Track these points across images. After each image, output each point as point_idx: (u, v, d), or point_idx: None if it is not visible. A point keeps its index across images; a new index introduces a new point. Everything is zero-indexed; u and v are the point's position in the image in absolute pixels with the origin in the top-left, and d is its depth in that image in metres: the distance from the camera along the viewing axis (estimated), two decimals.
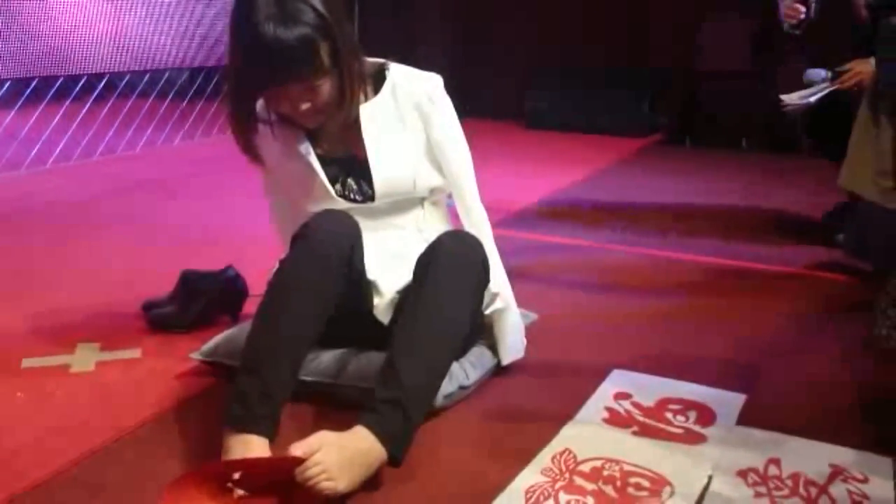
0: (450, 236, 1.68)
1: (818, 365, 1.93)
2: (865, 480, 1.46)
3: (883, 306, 1.46)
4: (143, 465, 1.47)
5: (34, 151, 3.95)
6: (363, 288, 1.68)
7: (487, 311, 1.79)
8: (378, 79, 1.77)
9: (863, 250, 2.38)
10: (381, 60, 1.78)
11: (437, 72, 1.80)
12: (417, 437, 1.55)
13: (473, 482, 1.43)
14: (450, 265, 1.60)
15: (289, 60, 1.54)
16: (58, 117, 4.16)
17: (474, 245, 1.67)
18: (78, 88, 4.35)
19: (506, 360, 1.84)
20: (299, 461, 1.30)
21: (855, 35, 2.92)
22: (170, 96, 4.83)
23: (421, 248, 1.69)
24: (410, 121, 1.75)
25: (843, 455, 1.53)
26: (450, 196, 1.84)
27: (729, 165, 4.37)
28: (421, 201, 1.81)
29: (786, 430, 1.61)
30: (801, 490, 1.42)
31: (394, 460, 1.41)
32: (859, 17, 2.55)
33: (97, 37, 4.01)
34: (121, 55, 4.15)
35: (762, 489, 1.42)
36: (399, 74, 1.77)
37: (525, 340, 1.90)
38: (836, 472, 1.48)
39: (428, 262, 1.61)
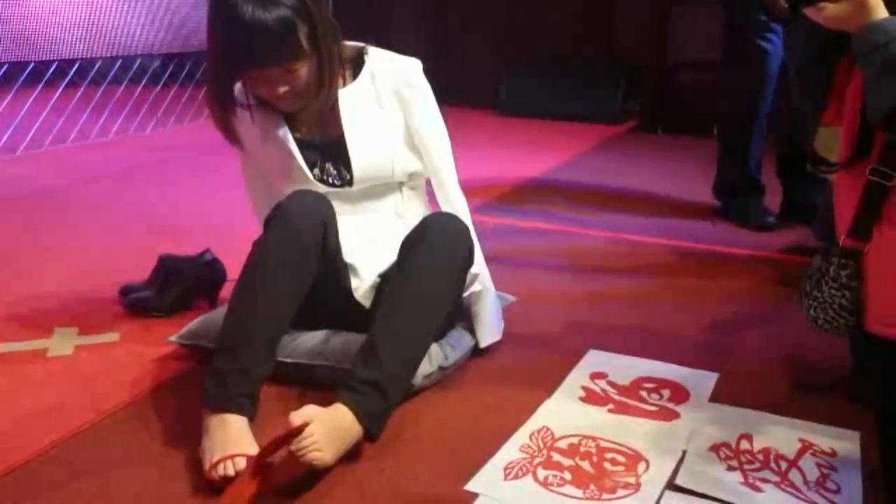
0: (437, 218, 1.69)
1: (788, 344, 1.97)
2: (833, 454, 1.50)
3: (808, 289, 1.50)
4: (123, 447, 1.48)
5: (4, 138, 3.91)
6: (339, 268, 1.69)
7: (466, 294, 1.81)
8: (357, 63, 1.78)
9: (830, 234, 2.43)
10: (361, 44, 1.79)
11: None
12: (398, 416, 1.57)
13: (453, 459, 1.46)
14: (436, 248, 1.62)
15: (267, 42, 1.54)
16: (29, 103, 4.11)
17: (461, 228, 1.68)
18: (49, 74, 4.30)
19: (484, 343, 1.86)
20: (301, 429, 1.32)
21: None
22: (142, 83, 4.79)
23: (400, 232, 1.71)
24: (389, 105, 1.76)
25: (812, 430, 1.57)
26: (428, 180, 1.86)
27: (700, 152, 4.40)
28: (399, 186, 1.82)
29: (757, 407, 1.65)
30: (772, 464, 1.46)
31: (370, 437, 1.45)
32: (780, 10, 2.49)
33: (68, 22, 3.97)
34: (92, 40, 4.10)
35: (734, 463, 1.46)
36: (378, 59, 1.78)
37: (503, 323, 1.93)
38: (806, 447, 1.52)
39: (415, 244, 1.63)
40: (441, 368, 1.73)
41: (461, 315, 1.85)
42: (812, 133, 1.52)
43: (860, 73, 1.31)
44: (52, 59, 3.99)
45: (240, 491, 1.28)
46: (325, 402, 1.43)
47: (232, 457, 1.33)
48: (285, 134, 1.74)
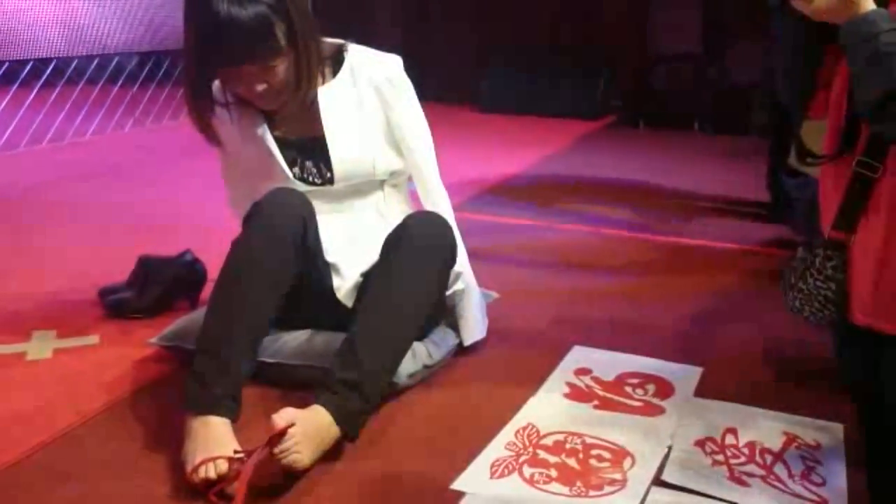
0: (419, 217, 1.68)
1: (772, 337, 1.98)
2: (818, 447, 1.50)
3: (793, 280, 1.50)
4: (104, 451, 1.46)
5: None
6: (321, 268, 1.68)
7: (449, 292, 1.80)
8: (336, 60, 1.76)
9: (812, 229, 2.44)
10: (340, 41, 1.77)
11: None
12: (382, 414, 1.57)
13: (438, 458, 1.45)
14: (418, 247, 1.61)
15: (243, 40, 1.52)
16: (3, 103, 4.06)
17: (443, 226, 1.67)
18: (25, 73, 4.24)
19: (468, 341, 1.85)
20: (285, 431, 1.31)
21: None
22: (119, 82, 4.74)
23: (382, 230, 1.70)
24: (369, 103, 1.74)
25: (796, 423, 1.58)
26: (410, 178, 1.84)
27: (681, 147, 4.43)
28: (381, 184, 1.81)
29: (742, 401, 1.65)
30: (758, 458, 1.46)
31: (348, 438, 1.44)
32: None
33: (44, 21, 3.91)
34: (68, 39, 4.05)
35: (720, 458, 1.46)
36: (358, 56, 1.76)
37: (487, 321, 1.92)
38: (791, 440, 1.52)
39: (396, 243, 1.62)
40: (426, 367, 1.72)
41: (445, 313, 1.84)
42: (798, 126, 1.52)
43: (847, 65, 1.31)
44: (27, 58, 3.94)
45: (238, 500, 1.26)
46: (308, 403, 1.42)
47: (214, 459, 1.31)
48: (264, 132, 1.72)
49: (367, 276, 1.69)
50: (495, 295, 2.14)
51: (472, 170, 3.71)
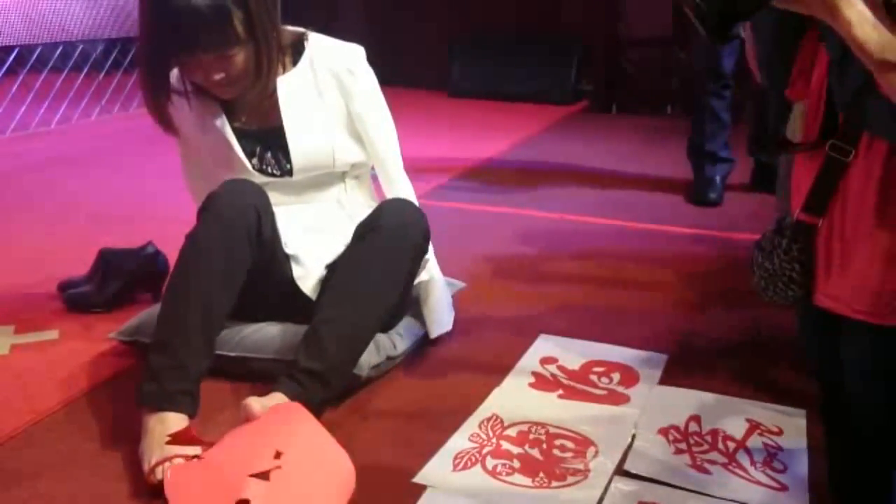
0: (392, 205, 1.67)
1: (737, 324, 1.98)
2: (780, 433, 1.51)
3: (760, 259, 1.51)
4: (62, 450, 1.43)
5: None
6: (280, 259, 1.66)
7: (415, 282, 1.78)
8: (297, 49, 1.73)
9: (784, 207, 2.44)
10: (301, 30, 1.74)
11: (358, 40, 1.77)
12: (346, 405, 1.56)
13: (402, 450, 1.44)
14: (389, 235, 1.60)
15: (200, 29, 1.50)
16: None
17: (417, 214, 1.66)
18: None
19: (434, 334, 1.83)
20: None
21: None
22: (84, 70, 4.66)
23: (344, 223, 1.68)
24: (329, 93, 1.72)
25: (759, 410, 1.58)
26: (373, 168, 1.82)
27: (654, 131, 4.43)
28: (342, 176, 1.79)
29: (706, 388, 1.65)
30: (720, 445, 1.47)
31: None
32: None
33: (4, 7, 3.83)
34: (31, 27, 3.97)
35: (682, 446, 1.46)
36: (318, 45, 1.73)
37: (453, 312, 1.90)
38: (753, 427, 1.53)
39: (368, 230, 1.60)
40: (390, 358, 1.70)
41: (410, 304, 1.82)
42: (777, 113, 1.51)
43: (826, 54, 1.31)
44: None
45: None
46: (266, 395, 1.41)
47: (171, 458, 1.29)
48: (223, 123, 1.69)
49: (332, 268, 1.67)
50: (462, 284, 2.13)
51: (441, 156, 3.68)
